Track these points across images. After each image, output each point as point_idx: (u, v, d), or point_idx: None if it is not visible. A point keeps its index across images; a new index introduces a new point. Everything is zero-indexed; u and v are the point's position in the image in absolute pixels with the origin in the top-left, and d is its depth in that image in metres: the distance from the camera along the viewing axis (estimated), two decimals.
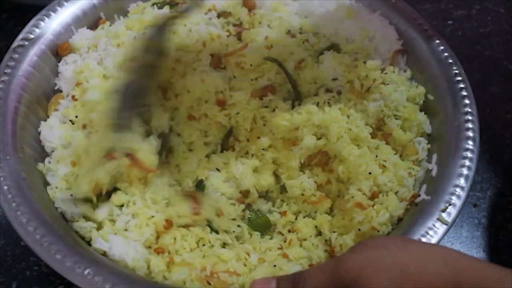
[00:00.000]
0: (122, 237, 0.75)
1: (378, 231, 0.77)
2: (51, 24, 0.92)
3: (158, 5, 0.99)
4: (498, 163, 1.01)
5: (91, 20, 0.98)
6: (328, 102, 0.89)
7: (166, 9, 0.98)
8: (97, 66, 0.91)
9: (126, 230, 0.76)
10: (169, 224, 0.77)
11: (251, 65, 0.91)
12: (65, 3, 0.95)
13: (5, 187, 0.74)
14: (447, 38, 0.95)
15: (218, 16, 0.99)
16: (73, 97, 0.89)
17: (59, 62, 0.93)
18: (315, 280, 0.57)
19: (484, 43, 1.18)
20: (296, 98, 0.90)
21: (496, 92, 1.10)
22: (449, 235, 0.92)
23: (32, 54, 0.88)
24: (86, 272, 0.68)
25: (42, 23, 0.91)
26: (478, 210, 0.95)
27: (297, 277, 0.59)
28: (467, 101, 0.87)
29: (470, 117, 0.85)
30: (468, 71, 0.90)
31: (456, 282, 0.52)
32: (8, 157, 0.77)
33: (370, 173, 0.81)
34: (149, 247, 0.77)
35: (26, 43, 0.89)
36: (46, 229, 0.72)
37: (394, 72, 0.92)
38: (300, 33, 0.98)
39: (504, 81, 1.12)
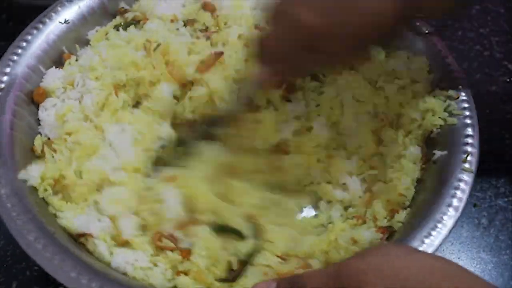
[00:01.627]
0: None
1: (406, 196, 0.81)
2: (18, 69, 0.88)
3: (121, 27, 0.96)
4: (498, 163, 1.01)
5: (54, 56, 0.93)
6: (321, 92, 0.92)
7: (132, 29, 0.95)
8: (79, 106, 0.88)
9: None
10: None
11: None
12: (24, 44, 0.90)
13: (32, 240, 0.72)
14: (447, 38, 0.95)
15: (184, 24, 0.98)
16: (54, 150, 0.84)
17: (37, 108, 0.88)
18: (315, 284, 0.57)
19: (484, 43, 1.18)
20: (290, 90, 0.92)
21: (496, 92, 1.10)
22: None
23: (11, 102, 0.85)
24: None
25: (8, 69, 0.87)
26: (478, 210, 0.95)
27: (297, 280, 0.59)
28: (449, 61, 0.91)
29: (454, 69, 0.89)
30: (468, 71, 0.90)
31: None
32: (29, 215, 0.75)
33: None
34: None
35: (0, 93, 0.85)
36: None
37: None
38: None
39: (504, 81, 1.12)
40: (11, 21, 1.17)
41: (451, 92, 0.87)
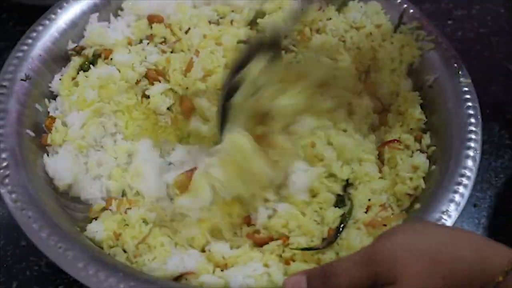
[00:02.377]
0: None
1: (422, 119, 0.88)
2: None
3: (85, 66, 0.92)
4: (498, 163, 1.01)
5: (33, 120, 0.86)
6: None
7: (97, 69, 0.91)
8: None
9: None
10: None
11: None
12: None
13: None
14: (447, 38, 0.96)
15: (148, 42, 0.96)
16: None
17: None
18: (348, 273, 0.56)
19: (484, 43, 1.18)
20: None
21: (496, 92, 1.10)
22: None
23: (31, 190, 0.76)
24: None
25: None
26: (478, 210, 0.95)
27: (328, 271, 0.58)
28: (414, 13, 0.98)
29: (407, 5, 0.98)
30: (468, 71, 0.90)
31: (483, 268, 0.54)
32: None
33: None
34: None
35: None
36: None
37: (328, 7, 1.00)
38: (221, 18, 1.00)
39: (504, 81, 1.12)
40: (11, 21, 1.17)
41: (414, 23, 0.95)
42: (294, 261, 0.75)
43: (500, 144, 1.03)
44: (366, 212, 0.80)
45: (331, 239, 0.77)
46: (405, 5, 0.98)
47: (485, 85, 1.10)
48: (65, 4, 0.95)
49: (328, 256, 0.76)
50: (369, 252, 0.57)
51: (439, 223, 0.74)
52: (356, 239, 0.76)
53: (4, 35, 1.11)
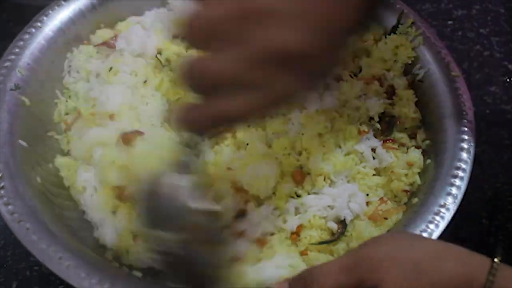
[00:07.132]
0: None
1: (418, 117, 0.89)
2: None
3: None
4: (498, 163, 1.01)
5: None
6: None
7: None
8: None
9: None
10: None
11: None
12: None
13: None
14: (447, 38, 0.96)
15: None
16: None
17: None
18: (332, 276, 0.57)
19: (484, 43, 1.18)
20: None
21: (496, 92, 1.10)
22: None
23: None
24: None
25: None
26: (478, 210, 0.95)
27: (310, 277, 0.59)
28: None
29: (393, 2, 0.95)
30: (468, 71, 0.90)
31: (469, 279, 0.55)
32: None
33: None
34: None
35: None
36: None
37: None
38: None
39: (504, 81, 1.12)
40: (11, 21, 1.17)
41: (408, 21, 0.94)
42: (311, 251, 0.77)
43: (500, 144, 1.03)
44: (366, 206, 0.81)
45: (341, 231, 0.78)
46: (398, 6, 0.96)
47: (485, 85, 1.10)
48: (50, 12, 0.93)
49: (340, 247, 0.77)
50: (354, 257, 0.58)
51: (438, 217, 0.75)
52: (366, 230, 0.77)
53: (4, 35, 1.11)
